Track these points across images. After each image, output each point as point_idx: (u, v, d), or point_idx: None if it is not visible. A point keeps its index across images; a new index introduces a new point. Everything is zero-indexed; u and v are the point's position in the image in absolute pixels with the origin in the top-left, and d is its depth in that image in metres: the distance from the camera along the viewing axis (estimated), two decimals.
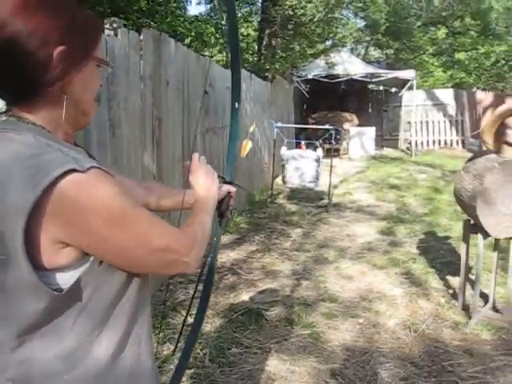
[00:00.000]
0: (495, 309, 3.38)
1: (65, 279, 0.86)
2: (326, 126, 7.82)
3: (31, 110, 0.90)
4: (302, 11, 8.44)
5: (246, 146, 1.65)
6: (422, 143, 14.58)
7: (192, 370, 2.70)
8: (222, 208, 1.36)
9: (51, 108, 0.91)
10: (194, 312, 1.43)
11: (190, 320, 1.60)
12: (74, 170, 0.81)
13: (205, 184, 1.20)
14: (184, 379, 2.60)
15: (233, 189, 1.40)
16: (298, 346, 3.01)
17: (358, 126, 13.84)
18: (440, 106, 14.89)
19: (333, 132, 7.64)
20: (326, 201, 7.24)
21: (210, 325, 3.24)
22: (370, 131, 13.28)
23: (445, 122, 14.74)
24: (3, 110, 0.95)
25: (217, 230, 1.43)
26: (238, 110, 1.50)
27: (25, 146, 0.85)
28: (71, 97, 0.92)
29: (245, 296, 3.76)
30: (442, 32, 19.64)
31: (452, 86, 18.18)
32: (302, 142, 7.19)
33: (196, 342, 1.71)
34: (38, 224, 0.81)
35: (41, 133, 0.89)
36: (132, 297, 0.97)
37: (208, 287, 1.45)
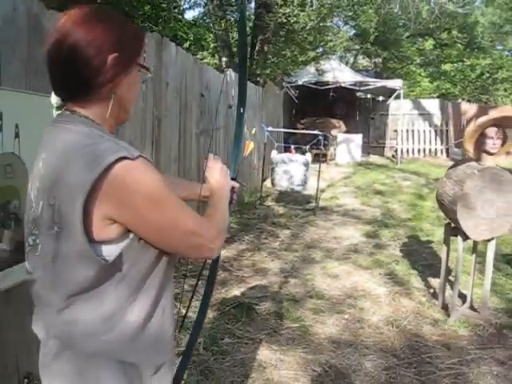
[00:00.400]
0: (472, 308, 3.60)
1: (110, 252, 1.02)
2: (315, 132, 8.05)
3: (84, 106, 1.08)
4: (294, 19, 8.65)
5: (249, 146, 1.85)
6: (407, 151, 14.89)
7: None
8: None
9: (100, 105, 1.08)
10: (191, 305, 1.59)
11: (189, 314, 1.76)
12: (125, 158, 0.98)
13: (220, 179, 1.37)
14: (178, 365, 2.76)
15: (236, 184, 1.57)
16: (287, 338, 3.19)
17: (346, 132, 14.10)
18: (426, 115, 15.25)
19: (321, 138, 7.83)
20: (313, 204, 7.43)
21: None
22: (357, 138, 13.54)
23: (430, 131, 15.09)
24: (58, 105, 1.13)
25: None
26: (243, 115, 1.67)
27: (81, 135, 1.03)
28: (117, 96, 1.09)
29: (236, 291, 3.93)
30: (429, 43, 20.13)
31: (438, 97, 18.57)
32: (292, 147, 7.37)
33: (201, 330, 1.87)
34: (93, 202, 0.98)
35: (92, 125, 1.06)
36: (161, 273, 1.13)
37: (211, 282, 1.64)
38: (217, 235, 1.14)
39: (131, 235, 1.04)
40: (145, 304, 1.10)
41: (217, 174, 1.38)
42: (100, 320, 1.05)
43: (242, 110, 1.67)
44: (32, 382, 2.40)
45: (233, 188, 1.54)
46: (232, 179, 1.56)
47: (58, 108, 1.14)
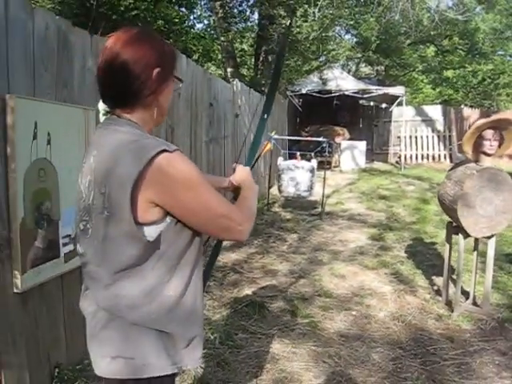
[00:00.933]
0: (475, 303, 3.76)
1: (151, 232, 1.21)
2: (320, 139, 8.23)
3: (129, 112, 1.28)
4: (297, 30, 8.89)
5: (267, 146, 2.07)
6: (410, 157, 15.06)
7: (204, 351, 3.02)
8: (236, 194, 1.73)
9: (143, 110, 1.29)
10: None
11: None
12: (165, 151, 1.18)
13: (244, 174, 1.58)
14: None
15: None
16: (298, 333, 3.35)
17: (350, 139, 14.28)
18: (428, 121, 15.43)
19: (325, 145, 8.02)
20: (319, 209, 7.60)
21: (219, 314, 3.58)
22: (361, 145, 13.71)
23: (433, 137, 15.25)
24: (104, 111, 1.33)
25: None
26: (266, 120, 1.87)
27: (128, 134, 1.23)
28: (158, 103, 1.30)
29: (247, 291, 4.10)
30: (430, 50, 20.33)
31: (440, 103, 18.75)
32: (298, 154, 7.55)
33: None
34: (139, 189, 1.17)
35: (136, 126, 1.27)
36: (193, 253, 1.31)
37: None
38: (245, 219, 1.32)
39: (169, 218, 1.23)
40: (181, 280, 1.28)
41: (245, 172, 1.60)
42: (142, 294, 1.23)
43: (265, 116, 1.89)
44: (62, 371, 2.58)
45: None
46: None
47: (105, 114, 1.34)
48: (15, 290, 2.25)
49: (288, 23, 8.56)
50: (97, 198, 1.22)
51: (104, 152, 1.23)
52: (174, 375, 1.33)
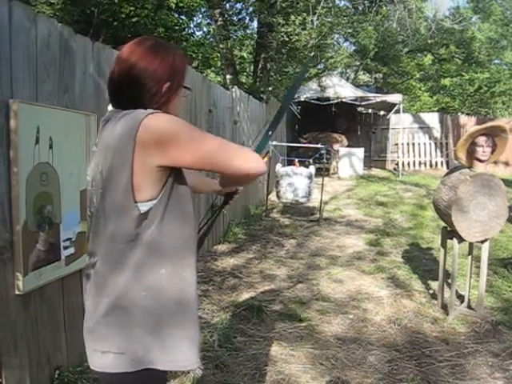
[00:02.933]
0: (470, 307, 3.81)
1: (144, 206, 1.26)
2: (318, 146, 8.30)
3: None
4: (296, 37, 8.97)
5: (265, 157, 2.15)
6: (408, 164, 15.16)
7: (203, 354, 3.06)
8: (226, 198, 1.86)
9: None
10: None
11: None
12: (152, 113, 1.24)
13: None
14: None
15: (240, 187, 1.88)
16: (296, 336, 3.40)
17: (348, 146, 14.34)
18: (426, 128, 15.54)
19: (323, 152, 8.09)
20: (317, 215, 7.65)
21: (218, 317, 3.62)
22: (359, 152, 13.78)
23: (430, 144, 15.36)
24: None
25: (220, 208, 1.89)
26: (270, 137, 1.94)
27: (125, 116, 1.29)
28: (167, 111, 1.35)
29: (246, 295, 4.14)
30: (428, 58, 20.51)
31: (438, 110, 18.87)
32: (296, 160, 7.61)
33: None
34: (140, 158, 1.21)
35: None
36: (184, 245, 1.35)
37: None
38: (238, 149, 1.33)
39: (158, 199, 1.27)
40: (172, 271, 1.32)
41: None
42: (132, 273, 1.29)
43: (270, 133, 1.94)
44: (62, 373, 2.62)
45: (237, 189, 1.86)
46: None
47: None
48: (17, 292, 2.29)
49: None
50: (98, 179, 1.30)
51: (106, 136, 1.31)
52: (164, 372, 1.36)
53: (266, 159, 2.16)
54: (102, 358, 1.30)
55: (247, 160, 1.30)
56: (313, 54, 9.46)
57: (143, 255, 1.28)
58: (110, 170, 1.26)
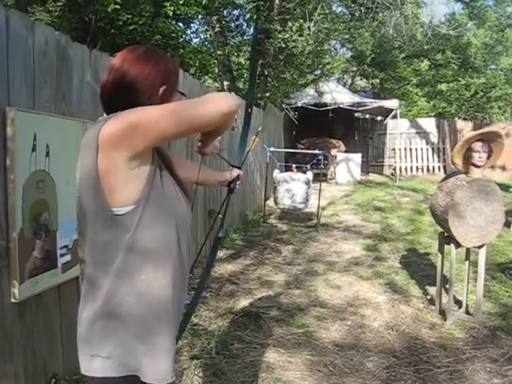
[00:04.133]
0: (468, 312, 3.80)
1: (120, 210, 1.26)
2: (315, 151, 8.31)
3: None
4: (293, 44, 9.01)
5: (255, 141, 2.18)
6: (405, 169, 15.20)
7: (200, 361, 3.06)
8: (231, 185, 1.90)
9: None
10: None
11: None
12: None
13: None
14: (193, 367, 2.97)
15: (241, 172, 1.93)
16: (294, 343, 3.39)
17: (345, 152, 14.37)
18: (423, 134, 15.59)
19: (321, 157, 8.10)
20: (315, 221, 7.65)
21: (215, 324, 3.60)
22: (356, 157, 13.81)
23: (427, 149, 15.41)
24: None
25: (227, 197, 1.94)
26: (251, 114, 1.98)
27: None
28: None
29: (244, 302, 4.13)
30: (424, 64, 20.57)
31: (435, 116, 18.94)
32: (293, 166, 7.62)
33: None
34: (105, 156, 1.22)
35: None
36: (168, 248, 1.35)
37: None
38: (201, 98, 1.29)
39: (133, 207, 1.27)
40: (152, 274, 1.32)
41: (235, 172, 1.89)
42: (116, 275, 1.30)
43: (250, 110, 1.98)
44: (59, 381, 2.61)
45: (238, 175, 1.91)
46: (238, 167, 1.92)
47: None
48: (13, 300, 2.28)
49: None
50: (77, 184, 1.33)
51: (81, 143, 1.33)
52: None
53: (256, 141, 2.21)
54: (90, 362, 1.31)
55: (215, 102, 1.26)
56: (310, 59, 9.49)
57: (124, 260, 1.28)
58: (83, 172, 1.27)
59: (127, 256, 1.28)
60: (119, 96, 1.31)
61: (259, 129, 2.51)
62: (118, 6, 5.69)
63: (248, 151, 1.98)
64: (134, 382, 1.32)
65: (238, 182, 1.90)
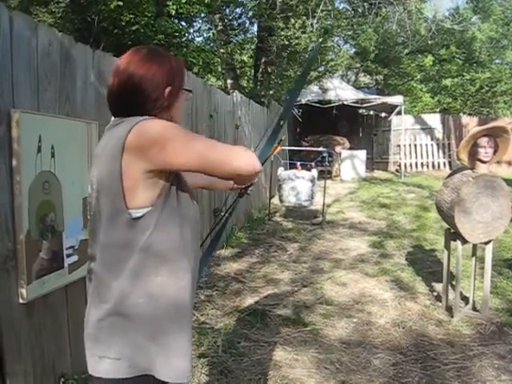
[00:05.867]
0: (475, 308, 3.79)
1: (137, 212, 1.27)
2: (320, 149, 8.30)
3: None
4: (296, 41, 9.00)
5: (276, 148, 2.17)
6: (410, 165, 15.14)
7: (207, 359, 3.06)
8: (242, 191, 1.88)
9: None
10: None
11: None
12: (146, 119, 1.26)
13: None
14: (200, 366, 2.98)
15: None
16: (300, 341, 3.39)
17: (350, 149, 14.34)
18: (427, 129, 15.52)
19: (325, 155, 8.10)
20: (320, 218, 7.65)
21: (221, 323, 3.61)
22: (361, 154, 13.77)
23: (432, 145, 15.34)
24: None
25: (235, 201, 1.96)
26: (282, 127, 1.97)
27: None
28: (170, 115, 1.36)
29: (250, 300, 4.14)
30: (428, 59, 20.48)
31: (440, 111, 18.86)
32: (298, 163, 7.61)
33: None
34: (128, 163, 1.22)
35: None
36: (179, 249, 1.35)
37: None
38: (230, 148, 1.32)
39: (152, 206, 1.27)
40: (167, 273, 1.33)
41: None
42: (130, 278, 1.30)
43: (281, 123, 1.96)
44: (67, 381, 2.62)
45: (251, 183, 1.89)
46: None
47: None
48: (21, 301, 2.29)
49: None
50: (94, 184, 1.33)
51: (103, 140, 1.34)
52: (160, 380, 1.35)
53: (278, 150, 2.19)
54: (99, 363, 1.31)
55: (239, 158, 1.28)
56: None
57: (139, 262, 1.28)
58: (103, 174, 1.28)
59: (142, 258, 1.28)
60: (126, 98, 1.31)
61: (283, 137, 2.49)
62: (120, 3, 5.69)
63: (267, 157, 1.95)
64: (145, 381, 1.31)
65: (250, 188, 1.85)
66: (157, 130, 1.22)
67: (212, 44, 12.06)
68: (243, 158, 1.29)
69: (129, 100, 1.30)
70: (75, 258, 2.66)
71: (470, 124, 14.44)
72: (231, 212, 1.97)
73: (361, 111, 16.33)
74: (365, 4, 12.40)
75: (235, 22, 12.00)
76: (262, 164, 1.90)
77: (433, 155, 15.30)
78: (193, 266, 1.40)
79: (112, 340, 1.29)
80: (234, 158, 1.27)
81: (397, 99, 13.39)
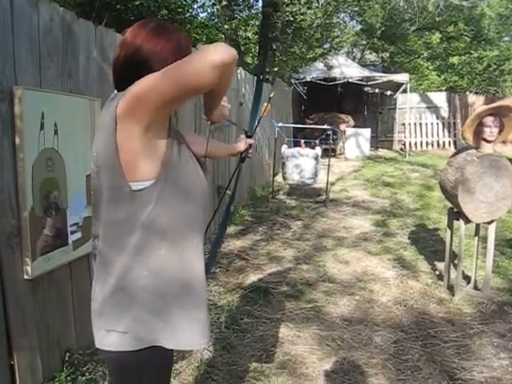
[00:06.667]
0: (476, 288, 3.81)
1: (138, 184, 1.27)
2: (324, 127, 8.25)
3: None
4: (301, 17, 8.86)
5: (267, 108, 2.17)
6: (415, 144, 15.05)
7: (211, 335, 3.10)
8: (243, 155, 1.93)
9: None
10: None
11: None
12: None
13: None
14: None
15: (252, 141, 1.96)
16: (302, 317, 3.43)
17: (354, 127, 14.26)
18: (433, 108, 15.37)
19: (330, 132, 8.04)
20: (323, 196, 7.65)
21: (225, 299, 3.65)
22: (366, 132, 13.70)
23: (438, 123, 15.21)
24: None
25: (237, 167, 1.98)
26: (262, 82, 1.99)
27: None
28: None
29: (253, 277, 4.17)
30: (436, 37, 20.13)
31: (446, 90, 18.65)
32: (302, 141, 7.57)
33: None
34: (123, 131, 1.22)
35: None
36: (183, 226, 1.35)
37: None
38: (198, 51, 1.19)
39: (153, 180, 1.27)
40: (173, 246, 1.33)
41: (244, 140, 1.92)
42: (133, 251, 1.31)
43: (260, 77, 1.97)
44: (73, 355, 2.67)
45: (250, 145, 1.94)
46: (249, 137, 1.95)
47: None
48: (25, 277, 2.32)
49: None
50: (94, 159, 1.33)
51: (100, 115, 1.34)
52: (170, 350, 1.38)
53: (268, 109, 2.21)
54: (106, 336, 1.32)
55: (205, 54, 1.14)
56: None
57: (142, 236, 1.28)
58: (101, 149, 1.27)
59: (145, 233, 1.28)
60: (131, 72, 1.28)
61: (271, 95, 2.48)
62: None
63: (260, 118, 1.97)
64: (152, 352, 1.33)
65: (250, 151, 1.90)
66: (138, 85, 1.20)
67: (216, 20, 11.90)
68: (215, 49, 1.15)
69: (133, 74, 1.27)
70: (79, 234, 2.68)
71: (477, 103, 14.27)
72: (236, 183, 1.98)
73: (366, 89, 16.16)
74: None
75: None
76: (255, 129, 1.96)
77: (438, 134, 15.19)
78: (199, 240, 1.39)
79: (119, 314, 1.31)
80: (207, 54, 1.14)
81: (403, 77, 13.23)
